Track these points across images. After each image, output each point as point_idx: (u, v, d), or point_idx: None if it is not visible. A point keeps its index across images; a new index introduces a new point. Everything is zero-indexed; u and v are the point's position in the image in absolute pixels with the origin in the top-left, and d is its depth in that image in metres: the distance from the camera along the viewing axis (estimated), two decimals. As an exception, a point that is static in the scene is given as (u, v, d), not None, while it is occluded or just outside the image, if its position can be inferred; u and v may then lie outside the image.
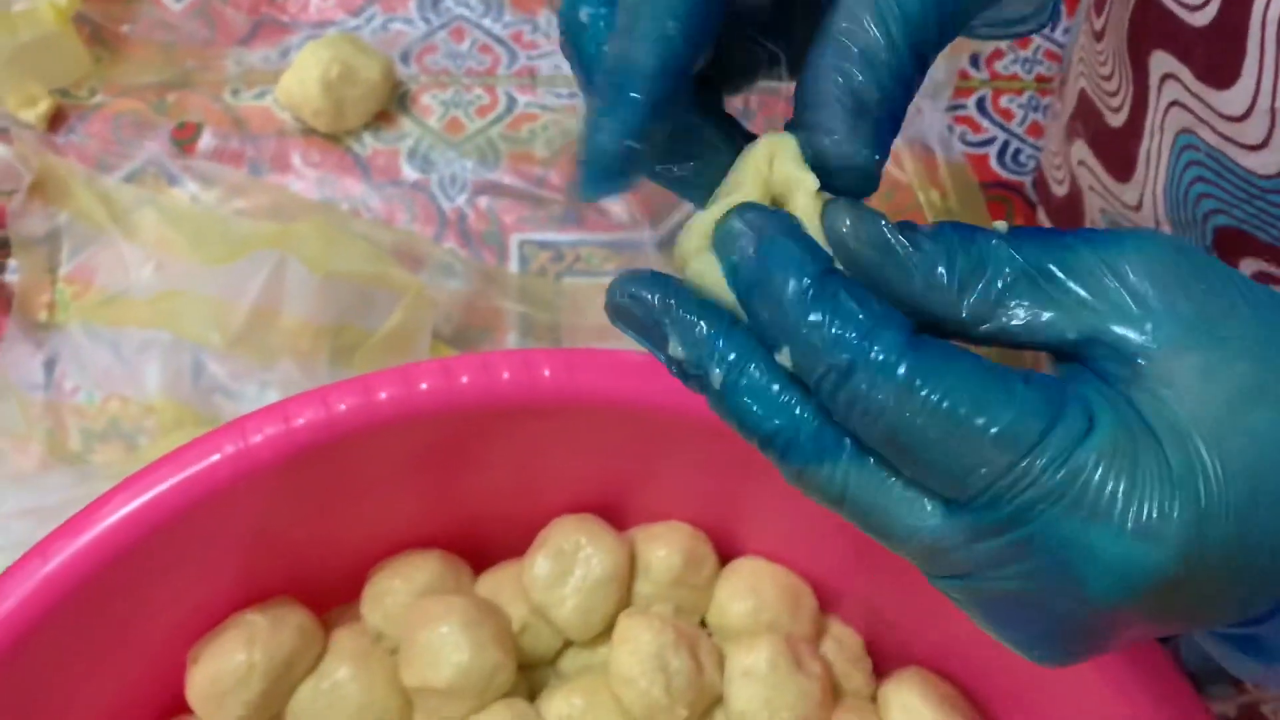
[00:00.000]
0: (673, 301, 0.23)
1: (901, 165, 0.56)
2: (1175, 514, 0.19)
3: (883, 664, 0.42)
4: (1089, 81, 0.44)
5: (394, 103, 0.58)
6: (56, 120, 0.57)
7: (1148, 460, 0.20)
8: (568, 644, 0.42)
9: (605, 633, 0.41)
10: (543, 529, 0.41)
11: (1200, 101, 0.35)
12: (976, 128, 0.58)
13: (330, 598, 0.43)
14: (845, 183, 0.22)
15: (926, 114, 0.57)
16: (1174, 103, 0.36)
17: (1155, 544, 0.19)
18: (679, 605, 0.41)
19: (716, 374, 0.22)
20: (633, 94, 0.22)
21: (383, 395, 0.37)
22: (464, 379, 0.37)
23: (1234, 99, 0.33)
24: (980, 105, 0.58)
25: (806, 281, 0.21)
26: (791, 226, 0.22)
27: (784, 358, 0.21)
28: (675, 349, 0.23)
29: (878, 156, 0.22)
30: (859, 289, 0.21)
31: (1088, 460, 0.20)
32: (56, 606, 0.34)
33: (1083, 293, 0.21)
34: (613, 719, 0.39)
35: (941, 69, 0.58)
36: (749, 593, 0.41)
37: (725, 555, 0.43)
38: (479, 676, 0.38)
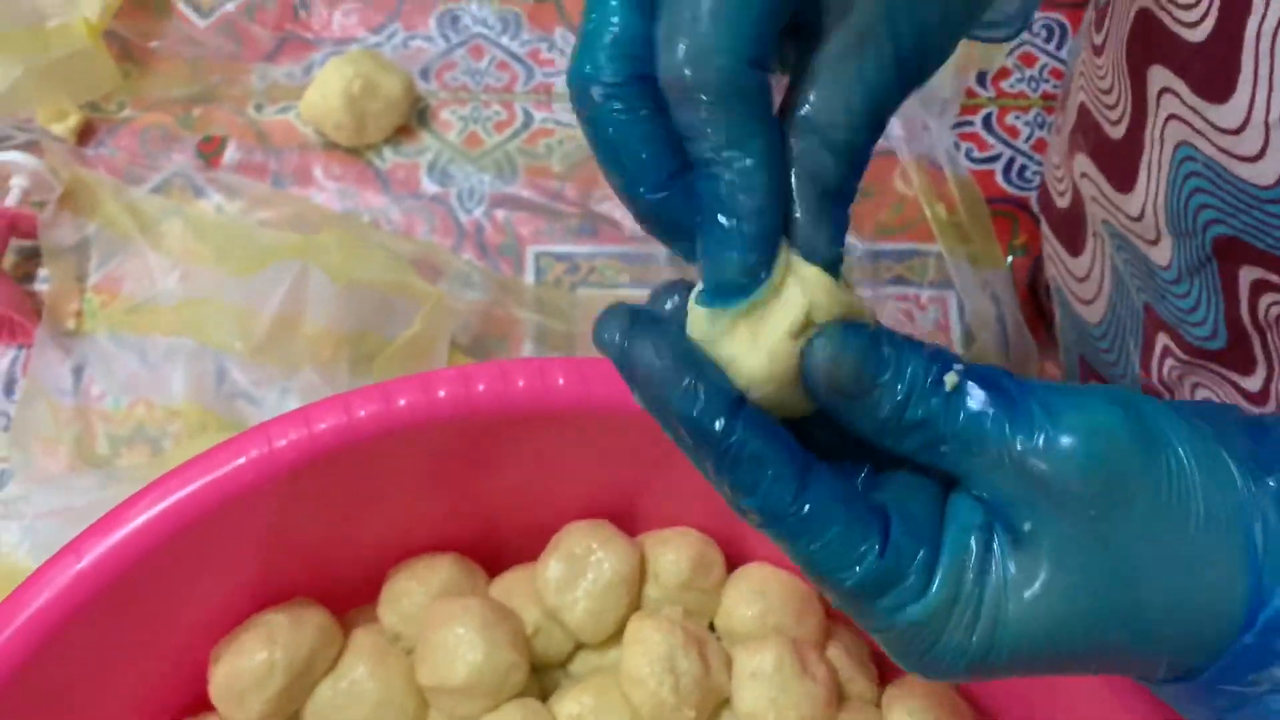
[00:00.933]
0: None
1: (909, 180, 0.58)
2: (962, 668, 0.23)
3: (888, 670, 0.43)
4: (1089, 95, 0.44)
5: (414, 118, 0.59)
6: (86, 134, 0.59)
7: (953, 630, 0.23)
8: (579, 646, 0.43)
9: (616, 635, 0.42)
10: (555, 534, 0.42)
11: (1197, 115, 0.36)
12: (983, 144, 0.59)
13: (349, 600, 0.44)
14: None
15: (934, 130, 0.58)
16: (1172, 115, 0.37)
17: (949, 675, 0.24)
18: (688, 609, 0.42)
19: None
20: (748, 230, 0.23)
21: (402, 402, 0.38)
22: (481, 387, 0.38)
23: (1230, 112, 0.34)
24: (986, 122, 0.60)
25: (720, 425, 0.23)
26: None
27: None
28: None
29: (838, 248, 0.24)
30: (760, 442, 0.23)
31: (908, 619, 0.23)
32: (88, 603, 0.35)
33: (1001, 469, 0.23)
34: (622, 718, 0.40)
35: (948, 87, 0.59)
36: (756, 597, 0.42)
37: (734, 560, 0.44)
38: (493, 676, 0.39)
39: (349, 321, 0.51)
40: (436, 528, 0.44)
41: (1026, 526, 0.22)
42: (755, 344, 0.23)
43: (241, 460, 0.37)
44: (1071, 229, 0.50)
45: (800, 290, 0.24)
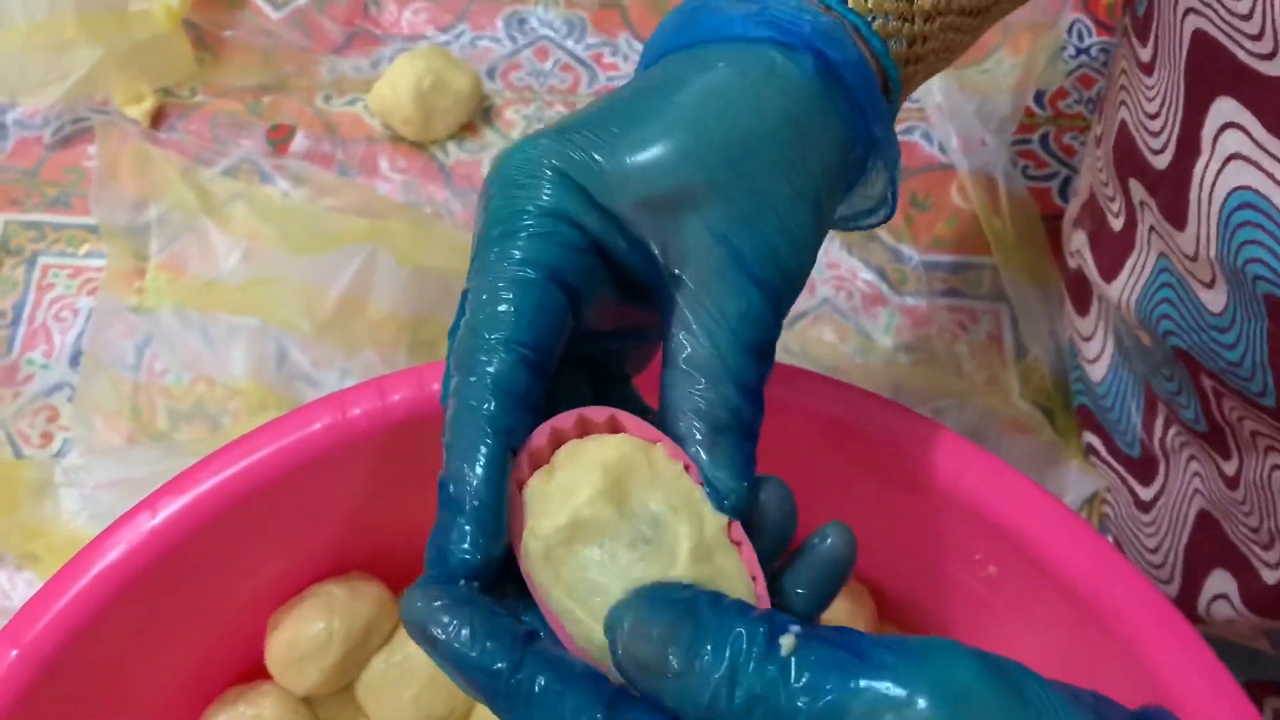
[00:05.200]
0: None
1: (966, 194, 0.58)
2: None
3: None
4: (1093, 180, 0.45)
5: (479, 115, 0.60)
6: (159, 117, 0.60)
7: None
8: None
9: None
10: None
11: (1166, 234, 0.36)
12: (1040, 162, 0.60)
13: (406, 577, 0.44)
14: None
15: (991, 146, 0.58)
16: (1152, 228, 0.38)
17: None
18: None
19: None
20: (466, 523, 0.23)
21: (474, 377, 0.38)
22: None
23: (1187, 240, 0.35)
24: (1044, 141, 0.60)
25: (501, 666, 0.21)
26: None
27: None
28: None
29: (745, 483, 0.24)
30: (555, 689, 0.21)
31: None
32: (159, 559, 0.36)
33: None
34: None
35: (1007, 104, 0.60)
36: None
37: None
38: (548, 655, 0.40)
39: (411, 307, 0.51)
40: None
41: None
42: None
43: (316, 426, 0.37)
44: (1079, 289, 0.50)
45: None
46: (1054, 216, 0.57)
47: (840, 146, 0.27)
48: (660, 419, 0.25)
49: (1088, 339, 0.49)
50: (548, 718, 0.21)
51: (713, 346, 0.24)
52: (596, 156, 0.25)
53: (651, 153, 0.25)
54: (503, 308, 0.24)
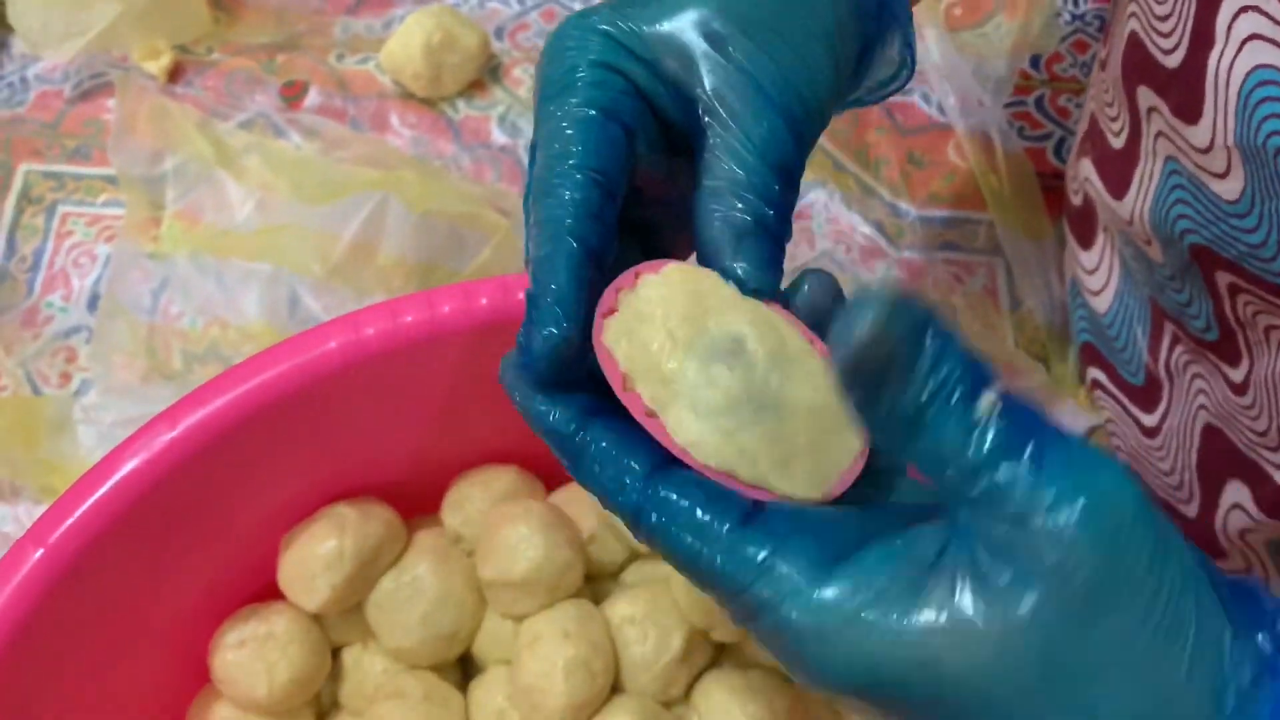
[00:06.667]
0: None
1: (963, 152, 0.59)
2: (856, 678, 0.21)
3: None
4: (1097, 105, 0.47)
5: (487, 73, 0.62)
6: (175, 73, 0.62)
7: (852, 633, 0.21)
8: (633, 557, 0.44)
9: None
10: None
11: (1177, 133, 0.38)
12: (1035, 123, 0.61)
13: (412, 508, 0.46)
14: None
15: (988, 107, 0.60)
16: (1160, 133, 0.39)
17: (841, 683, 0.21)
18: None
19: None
20: (550, 305, 0.25)
21: (483, 301, 0.40)
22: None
23: (1200, 133, 0.36)
24: (1039, 103, 0.61)
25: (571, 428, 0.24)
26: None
27: None
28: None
29: (769, 276, 0.26)
30: (610, 451, 0.24)
31: (767, 603, 0.22)
32: (177, 470, 0.37)
33: (998, 514, 0.20)
34: (673, 622, 0.41)
35: (1003, 67, 0.61)
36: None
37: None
38: (551, 572, 0.41)
39: (421, 252, 0.53)
40: (497, 442, 0.46)
41: (1004, 580, 0.20)
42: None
43: (331, 345, 0.39)
44: (1083, 224, 0.52)
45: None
46: (1048, 175, 0.59)
47: (850, 2, 0.29)
48: (694, 240, 0.27)
49: (1092, 272, 0.51)
50: (598, 474, 0.24)
51: (737, 165, 0.26)
52: (638, 21, 0.28)
53: (680, 12, 0.28)
54: (571, 144, 0.26)
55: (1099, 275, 0.51)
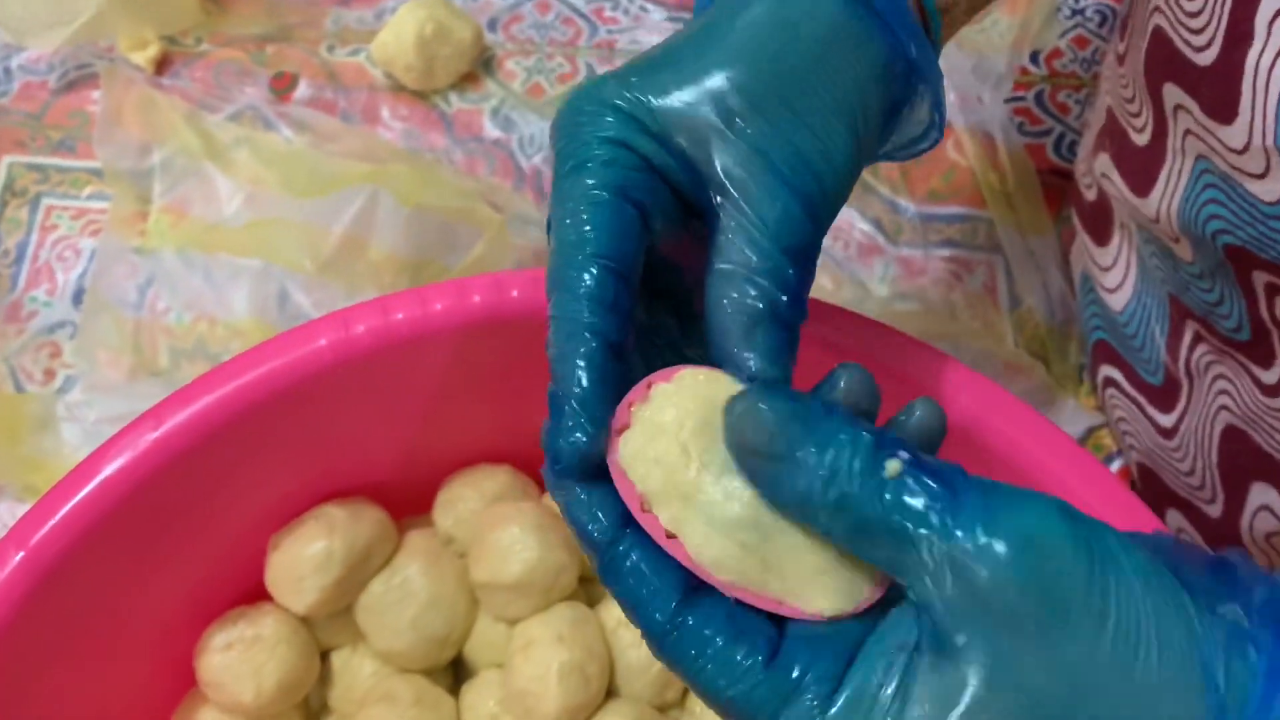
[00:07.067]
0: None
1: (962, 149, 0.59)
2: None
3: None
4: (1114, 100, 0.46)
5: (480, 66, 0.61)
6: (163, 65, 0.60)
7: None
8: (628, 558, 0.44)
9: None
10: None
11: (1208, 133, 0.37)
12: (1035, 119, 0.60)
13: (404, 508, 0.45)
14: None
15: (988, 103, 0.59)
16: (1189, 131, 0.39)
17: None
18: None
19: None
20: (574, 409, 0.25)
21: (476, 298, 0.39)
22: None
23: (1235, 133, 0.35)
24: (1039, 99, 0.61)
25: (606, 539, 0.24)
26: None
27: None
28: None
29: (779, 369, 0.26)
30: (642, 568, 0.24)
31: None
32: (161, 470, 0.36)
33: (936, 572, 0.21)
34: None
35: (1003, 63, 0.61)
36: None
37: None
38: (545, 575, 0.40)
39: (413, 248, 0.52)
40: (491, 441, 0.45)
41: (960, 639, 0.20)
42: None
43: (321, 343, 0.38)
44: (1097, 220, 0.51)
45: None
46: (1048, 172, 0.58)
47: (876, 66, 0.28)
48: (704, 325, 0.27)
49: (1107, 269, 0.50)
50: (631, 590, 0.23)
51: (749, 248, 0.26)
52: (648, 93, 0.27)
53: (693, 85, 0.27)
54: (584, 228, 0.26)
55: (1115, 272, 0.50)
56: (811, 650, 0.22)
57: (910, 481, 0.21)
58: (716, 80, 0.27)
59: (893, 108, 0.30)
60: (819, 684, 0.22)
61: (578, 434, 0.24)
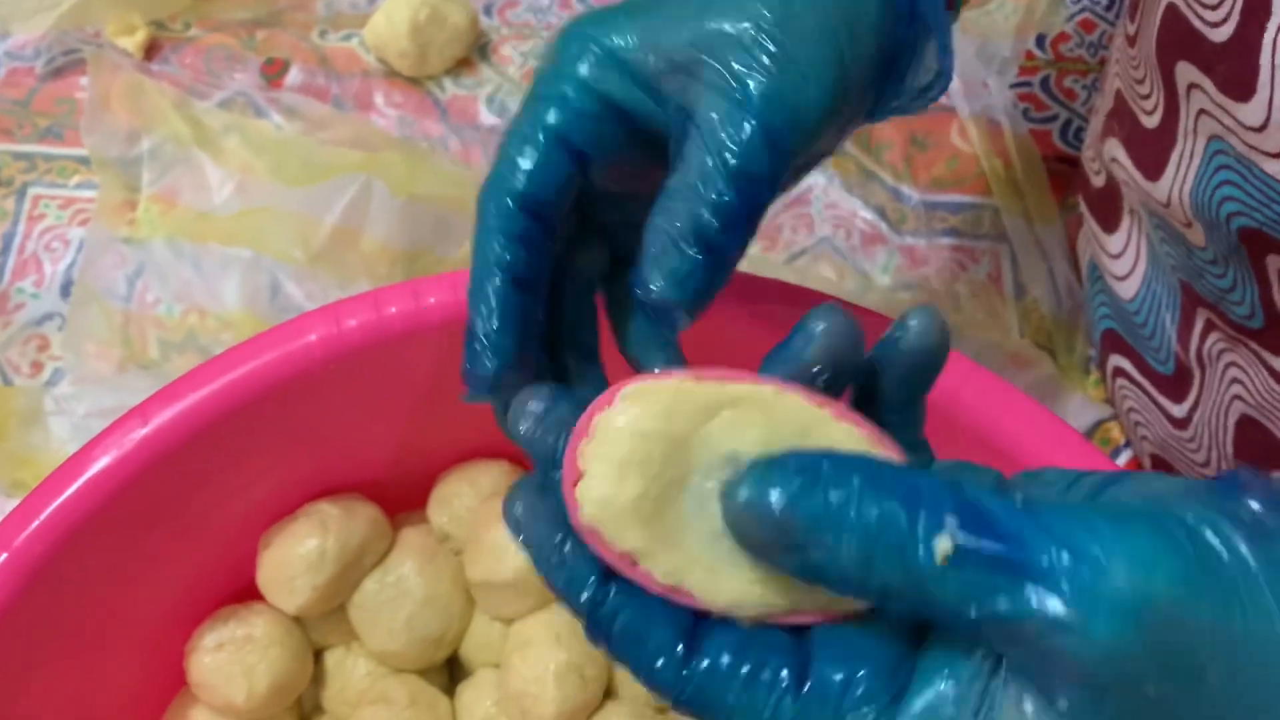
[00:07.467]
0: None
1: (967, 136, 0.58)
2: None
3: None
4: (1124, 83, 0.45)
5: (475, 51, 0.60)
6: (151, 50, 0.59)
7: None
8: (627, 556, 0.43)
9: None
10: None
11: (1224, 111, 0.36)
12: (1041, 105, 0.59)
13: (398, 505, 0.44)
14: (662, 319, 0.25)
15: (993, 89, 0.58)
16: (1202, 111, 0.38)
17: None
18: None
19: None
20: (481, 341, 0.26)
21: (470, 291, 0.38)
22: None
23: (1253, 111, 0.34)
24: (1045, 84, 0.60)
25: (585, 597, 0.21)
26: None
27: None
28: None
29: (681, 293, 0.25)
30: (634, 629, 0.21)
31: None
32: (150, 468, 0.36)
33: (1014, 645, 0.18)
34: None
35: (1008, 47, 0.59)
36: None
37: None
38: (542, 574, 0.40)
39: (406, 238, 0.51)
40: (485, 438, 0.44)
41: (1062, 704, 0.17)
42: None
43: (312, 337, 0.37)
44: (1106, 207, 0.50)
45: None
46: (1054, 159, 0.57)
47: (872, 12, 0.27)
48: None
49: (1116, 256, 0.49)
50: (628, 651, 0.21)
51: (696, 172, 0.25)
52: (630, 31, 0.27)
53: (678, 24, 0.27)
54: (513, 165, 0.27)
55: (1124, 260, 0.49)
56: (843, 674, 0.20)
57: (968, 561, 0.17)
58: (692, 14, 0.27)
59: (895, 50, 0.29)
60: (869, 700, 0.19)
61: (485, 361, 0.26)
